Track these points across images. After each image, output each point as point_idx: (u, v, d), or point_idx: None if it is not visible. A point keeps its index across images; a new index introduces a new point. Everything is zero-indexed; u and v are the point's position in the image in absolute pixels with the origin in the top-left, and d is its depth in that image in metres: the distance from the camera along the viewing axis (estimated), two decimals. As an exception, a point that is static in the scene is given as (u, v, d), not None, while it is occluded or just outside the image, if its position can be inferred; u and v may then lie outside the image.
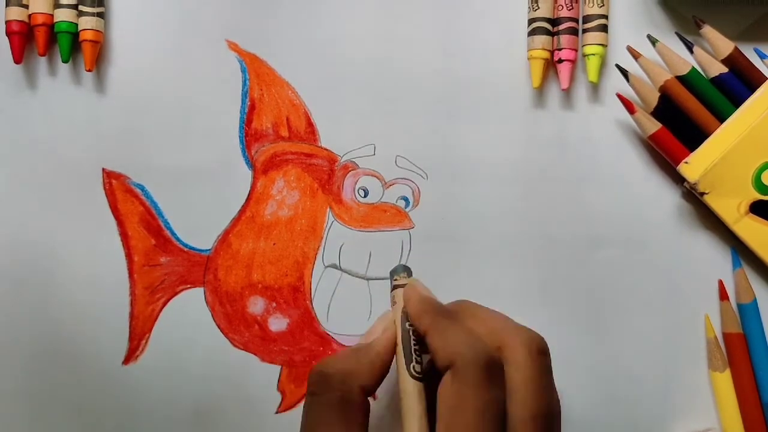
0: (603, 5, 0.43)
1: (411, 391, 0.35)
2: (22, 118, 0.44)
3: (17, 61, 0.43)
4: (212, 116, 0.44)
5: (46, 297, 0.43)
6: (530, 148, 0.44)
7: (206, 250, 0.44)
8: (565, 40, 0.43)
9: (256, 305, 0.44)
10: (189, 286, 0.44)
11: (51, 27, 0.43)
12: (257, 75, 0.44)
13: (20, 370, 0.43)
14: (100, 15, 0.43)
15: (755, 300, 0.43)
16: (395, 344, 0.37)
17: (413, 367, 0.36)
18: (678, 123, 0.42)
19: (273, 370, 0.43)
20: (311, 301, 0.44)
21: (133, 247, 0.44)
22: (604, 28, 0.43)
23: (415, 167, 0.44)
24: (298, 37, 0.44)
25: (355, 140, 0.44)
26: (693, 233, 0.44)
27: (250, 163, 0.44)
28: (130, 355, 0.43)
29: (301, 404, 0.38)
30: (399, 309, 0.38)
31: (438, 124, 0.44)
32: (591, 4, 0.43)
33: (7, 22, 0.42)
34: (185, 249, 0.44)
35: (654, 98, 0.42)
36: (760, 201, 0.41)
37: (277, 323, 0.44)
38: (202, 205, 0.44)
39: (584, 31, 0.43)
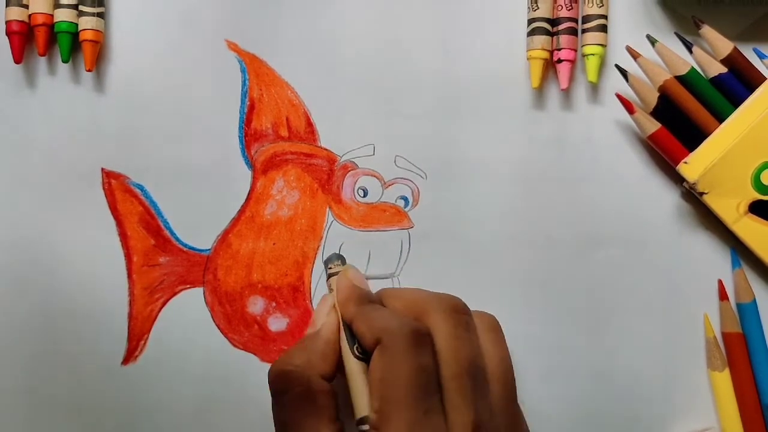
0: (602, 5, 0.43)
1: (356, 370, 0.37)
2: (21, 117, 0.44)
3: (17, 61, 0.43)
4: (212, 116, 0.44)
5: (45, 297, 0.43)
6: (530, 148, 0.44)
7: (206, 250, 0.44)
8: (564, 40, 0.43)
9: (256, 305, 0.44)
10: (188, 286, 0.44)
11: (51, 27, 0.43)
12: (257, 75, 0.44)
13: (20, 370, 0.43)
14: (100, 15, 0.43)
15: (755, 300, 0.43)
16: (339, 327, 0.39)
17: (356, 348, 0.37)
18: (677, 123, 0.42)
19: (273, 370, 0.43)
20: (311, 300, 0.44)
21: (133, 247, 0.44)
22: (603, 28, 0.43)
23: (414, 167, 0.44)
24: (298, 37, 0.44)
25: (354, 140, 0.44)
26: (692, 233, 0.44)
27: (250, 163, 0.44)
28: (129, 356, 0.43)
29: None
30: (335, 295, 0.40)
31: (437, 124, 0.44)
32: (590, 4, 0.43)
33: (7, 22, 0.42)
34: (185, 249, 0.44)
35: (653, 98, 0.42)
36: (760, 201, 0.42)
37: (277, 323, 0.44)
38: (201, 205, 0.44)
39: (584, 31, 0.43)
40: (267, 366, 0.43)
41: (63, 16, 0.42)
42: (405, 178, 0.44)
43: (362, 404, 0.36)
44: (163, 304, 0.44)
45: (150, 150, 0.44)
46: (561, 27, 0.43)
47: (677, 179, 0.44)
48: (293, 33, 0.44)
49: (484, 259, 0.44)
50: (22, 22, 0.42)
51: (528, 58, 0.43)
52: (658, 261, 0.44)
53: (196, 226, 0.44)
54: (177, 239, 0.44)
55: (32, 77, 0.44)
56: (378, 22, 0.44)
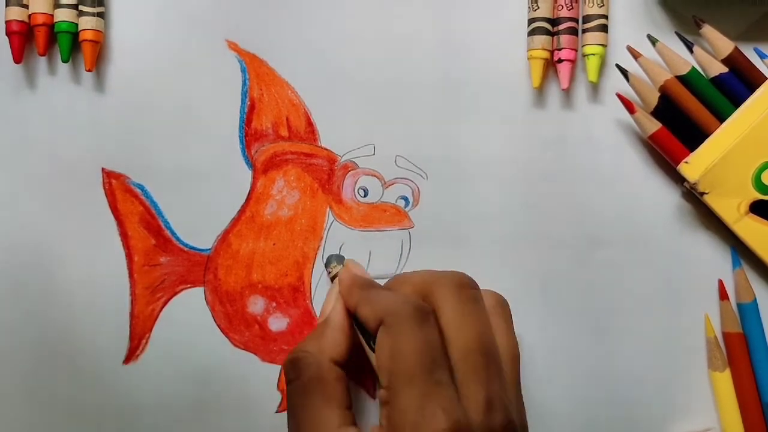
0: (603, 5, 0.43)
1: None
2: (21, 117, 0.44)
3: (17, 60, 0.43)
4: (212, 116, 0.44)
5: (47, 297, 0.43)
6: (530, 148, 0.44)
7: (206, 250, 0.44)
8: (564, 40, 0.43)
9: (256, 305, 0.44)
10: (189, 285, 0.44)
11: (51, 27, 0.43)
12: (257, 75, 0.44)
13: (21, 370, 0.43)
14: (100, 15, 0.43)
15: (755, 300, 0.43)
16: (348, 313, 0.39)
17: (372, 342, 0.37)
18: (678, 123, 0.42)
19: (273, 370, 0.43)
20: (311, 300, 0.44)
21: (133, 246, 0.44)
22: (603, 28, 0.43)
23: (414, 167, 0.44)
24: (298, 36, 0.44)
25: (354, 140, 0.44)
26: (693, 233, 0.44)
27: (250, 163, 0.44)
28: (131, 355, 0.43)
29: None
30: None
31: (438, 123, 0.44)
32: (591, 4, 0.43)
33: (7, 22, 0.42)
34: (185, 249, 0.44)
35: (654, 98, 0.42)
36: (760, 201, 0.41)
37: (277, 323, 0.44)
38: (202, 204, 0.44)
39: (584, 31, 0.43)
40: (267, 366, 0.43)
41: (63, 16, 0.42)
42: (405, 178, 0.44)
43: None
44: (164, 303, 0.44)
45: (150, 150, 0.44)
46: (561, 27, 0.43)
47: (678, 179, 0.43)
48: (293, 33, 0.44)
49: (484, 259, 0.44)
50: (22, 22, 0.42)
51: (528, 58, 0.43)
52: (658, 261, 0.44)
53: (197, 225, 0.44)
54: (177, 239, 0.44)
55: (32, 77, 0.44)
56: (378, 22, 0.44)
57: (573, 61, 0.43)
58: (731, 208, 0.42)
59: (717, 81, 0.42)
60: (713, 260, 0.44)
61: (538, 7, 0.43)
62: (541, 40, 0.43)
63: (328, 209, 0.44)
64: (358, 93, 0.44)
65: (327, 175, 0.44)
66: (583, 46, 0.43)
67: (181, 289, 0.44)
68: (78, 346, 0.43)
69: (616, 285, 0.44)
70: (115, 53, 0.44)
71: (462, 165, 0.44)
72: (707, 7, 0.43)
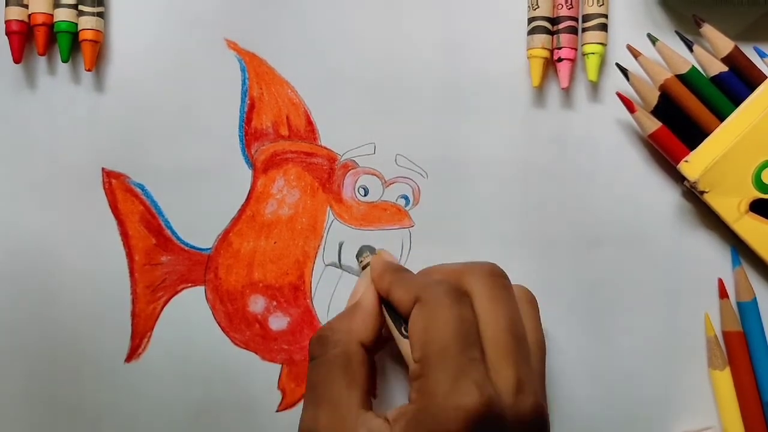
0: (603, 4, 0.43)
1: (407, 350, 0.36)
2: (22, 117, 0.44)
3: (17, 60, 0.43)
4: (212, 115, 0.44)
5: (47, 297, 0.44)
6: (530, 147, 0.44)
7: (207, 249, 0.44)
8: (564, 39, 0.43)
9: (257, 304, 0.44)
10: (190, 284, 0.44)
11: (51, 27, 0.43)
12: (257, 74, 0.44)
13: (23, 370, 0.43)
14: (100, 15, 0.43)
15: (755, 298, 0.43)
16: (378, 299, 0.39)
17: (403, 328, 0.37)
18: (678, 122, 0.42)
19: (273, 369, 0.44)
20: (312, 299, 0.44)
21: (134, 246, 0.44)
22: (603, 27, 0.43)
23: (415, 166, 0.44)
24: (298, 35, 0.44)
25: (355, 139, 0.44)
26: (693, 232, 0.44)
27: (250, 162, 0.44)
28: (133, 353, 0.44)
29: (302, 403, 0.38)
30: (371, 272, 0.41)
31: (438, 122, 0.44)
32: (591, 3, 0.43)
33: (7, 22, 0.42)
34: (186, 248, 0.44)
35: (654, 97, 0.42)
36: (760, 200, 0.41)
37: (278, 322, 0.44)
38: (202, 204, 0.44)
39: (584, 30, 0.43)
40: (268, 365, 0.44)
41: (63, 15, 0.42)
42: (406, 177, 0.44)
43: None
44: (165, 302, 0.44)
45: (150, 149, 0.44)
46: (561, 26, 0.43)
47: (678, 178, 0.43)
48: (293, 32, 0.44)
49: (484, 257, 0.44)
50: (21, 21, 0.42)
51: (528, 57, 0.43)
52: (658, 260, 0.44)
53: (197, 225, 0.44)
54: (178, 238, 0.44)
55: (32, 77, 0.44)
56: (378, 21, 0.44)
57: (573, 60, 0.43)
58: (731, 206, 0.42)
59: (717, 80, 0.42)
60: (713, 259, 0.44)
61: (538, 6, 0.43)
62: (541, 39, 0.43)
63: (328, 208, 0.44)
64: (358, 92, 0.44)
65: (327, 174, 0.44)
66: (583, 45, 0.43)
67: (182, 288, 0.44)
68: (79, 345, 0.44)
69: (616, 284, 0.44)
70: (115, 53, 0.44)
71: (462, 164, 0.44)
72: (707, 6, 0.43)
